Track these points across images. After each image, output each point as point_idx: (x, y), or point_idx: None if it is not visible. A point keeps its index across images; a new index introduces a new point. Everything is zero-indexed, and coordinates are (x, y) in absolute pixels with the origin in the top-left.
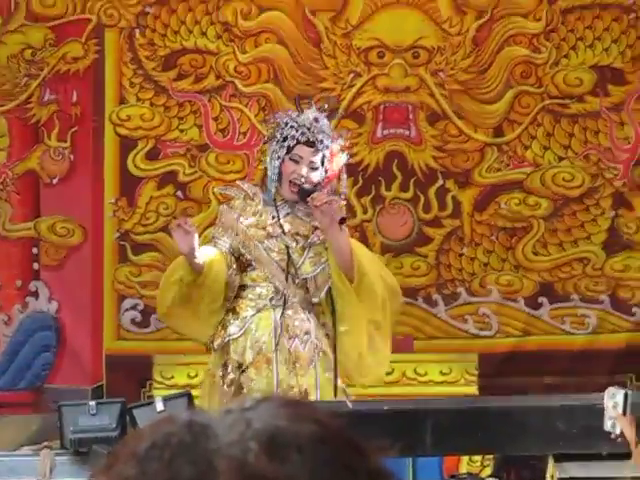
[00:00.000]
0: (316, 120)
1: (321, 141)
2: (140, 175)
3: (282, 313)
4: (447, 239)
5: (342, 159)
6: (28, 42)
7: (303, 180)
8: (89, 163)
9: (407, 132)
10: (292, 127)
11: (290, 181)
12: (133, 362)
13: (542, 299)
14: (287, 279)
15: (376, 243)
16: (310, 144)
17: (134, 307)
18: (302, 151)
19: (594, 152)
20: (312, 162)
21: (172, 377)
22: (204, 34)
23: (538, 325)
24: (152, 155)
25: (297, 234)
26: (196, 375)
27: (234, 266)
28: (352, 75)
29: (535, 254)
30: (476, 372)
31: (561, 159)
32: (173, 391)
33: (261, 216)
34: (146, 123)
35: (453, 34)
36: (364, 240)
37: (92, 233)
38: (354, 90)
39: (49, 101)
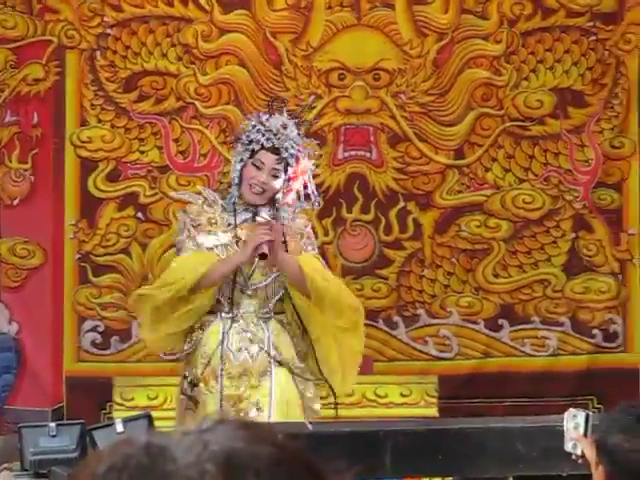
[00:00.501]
0: (284, 127)
1: (286, 149)
2: (101, 197)
3: (230, 325)
4: (408, 261)
5: (307, 174)
6: None
7: (262, 188)
8: (50, 185)
9: (368, 154)
10: (258, 131)
11: (250, 185)
12: (93, 384)
13: (502, 321)
14: (234, 289)
15: (337, 265)
16: (275, 151)
17: (94, 329)
18: (265, 157)
19: (554, 174)
20: (274, 170)
21: (132, 399)
22: (165, 56)
23: (498, 347)
24: (113, 177)
25: None
26: (156, 397)
27: None
28: (313, 97)
29: (495, 276)
30: (436, 394)
31: (521, 181)
32: (133, 413)
33: (215, 223)
34: (107, 145)
35: (414, 56)
36: (325, 262)
37: (52, 255)
38: (315, 112)
39: (10, 122)
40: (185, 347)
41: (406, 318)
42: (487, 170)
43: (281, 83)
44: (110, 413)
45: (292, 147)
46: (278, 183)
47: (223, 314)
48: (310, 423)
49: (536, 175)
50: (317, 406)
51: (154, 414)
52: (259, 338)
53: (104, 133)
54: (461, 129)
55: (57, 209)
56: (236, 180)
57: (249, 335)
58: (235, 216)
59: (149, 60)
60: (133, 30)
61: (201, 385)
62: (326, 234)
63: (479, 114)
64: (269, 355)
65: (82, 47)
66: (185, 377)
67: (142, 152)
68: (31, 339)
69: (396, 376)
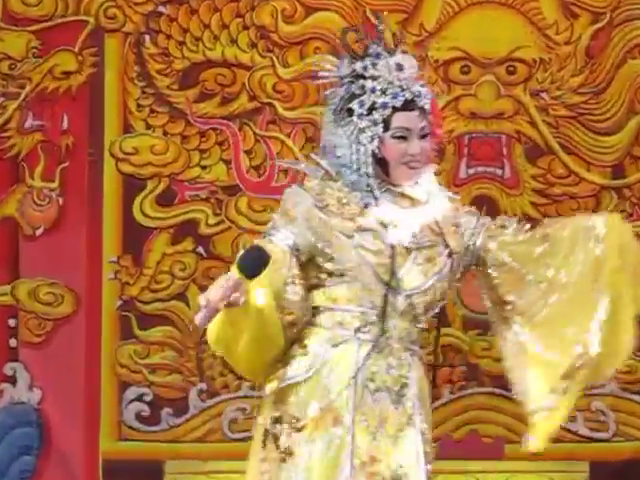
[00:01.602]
0: (400, 68)
1: (420, 94)
2: (150, 225)
3: (369, 352)
4: None
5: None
6: (5, 51)
7: (419, 159)
8: (83, 209)
9: (499, 171)
10: (374, 90)
11: (404, 164)
12: (138, 469)
13: None
14: (386, 298)
15: (456, 316)
16: (410, 105)
17: (140, 398)
18: (406, 121)
19: None
20: (422, 129)
21: None
22: (234, 42)
23: None
24: (165, 199)
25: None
26: None
27: (296, 272)
28: None
29: None
30: None
31: None
32: None
33: (348, 204)
34: (158, 158)
35: (560, 43)
36: (440, 312)
37: (87, 301)
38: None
39: (32, 129)
40: (293, 372)
41: None
42: None
43: None
44: None
45: (422, 86)
46: (428, 144)
47: (361, 334)
48: None
49: None
50: None
51: None
52: (404, 377)
53: (154, 142)
54: (621, 139)
55: (93, 241)
56: (370, 164)
57: (392, 370)
58: (374, 195)
59: (214, 47)
60: (193, 8)
61: (307, 429)
62: None
63: None
64: (413, 406)
65: (126, 30)
66: (276, 419)
67: (204, 167)
68: (58, 410)
69: (534, 462)
